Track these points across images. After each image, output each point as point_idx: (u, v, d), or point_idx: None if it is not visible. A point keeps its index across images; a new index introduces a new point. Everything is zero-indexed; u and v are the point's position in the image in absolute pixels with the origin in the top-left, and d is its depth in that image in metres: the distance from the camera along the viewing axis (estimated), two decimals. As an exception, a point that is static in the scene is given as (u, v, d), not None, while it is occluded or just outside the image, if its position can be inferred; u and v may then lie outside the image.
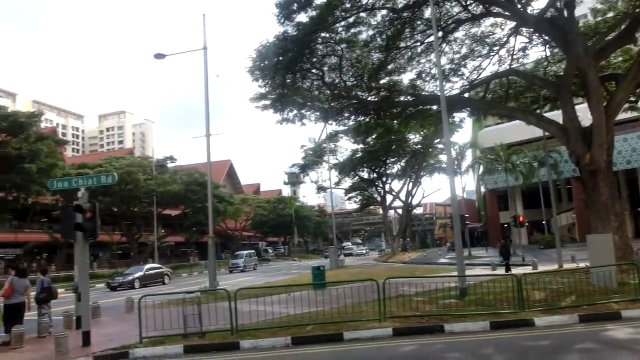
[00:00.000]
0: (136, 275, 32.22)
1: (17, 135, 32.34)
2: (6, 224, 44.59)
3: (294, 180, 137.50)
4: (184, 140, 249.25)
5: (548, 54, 23.75)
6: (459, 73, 24.62)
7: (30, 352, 11.03)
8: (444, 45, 22.78)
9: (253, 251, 53.32)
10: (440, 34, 20.84)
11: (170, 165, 52.52)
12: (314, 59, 22.56)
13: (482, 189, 67.75)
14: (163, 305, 12.22)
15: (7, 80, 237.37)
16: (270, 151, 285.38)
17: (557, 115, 21.53)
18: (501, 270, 22.52)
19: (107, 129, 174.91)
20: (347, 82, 23.83)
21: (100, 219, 11.69)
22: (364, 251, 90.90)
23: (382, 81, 24.51)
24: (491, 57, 24.08)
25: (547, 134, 26.02)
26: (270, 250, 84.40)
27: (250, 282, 29.21)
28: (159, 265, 35.83)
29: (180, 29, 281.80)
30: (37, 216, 45.35)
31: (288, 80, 22.14)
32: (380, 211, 78.00)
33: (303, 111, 24.48)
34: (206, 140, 21.96)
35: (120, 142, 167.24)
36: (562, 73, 21.69)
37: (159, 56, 22.12)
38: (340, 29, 21.72)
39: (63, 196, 36.97)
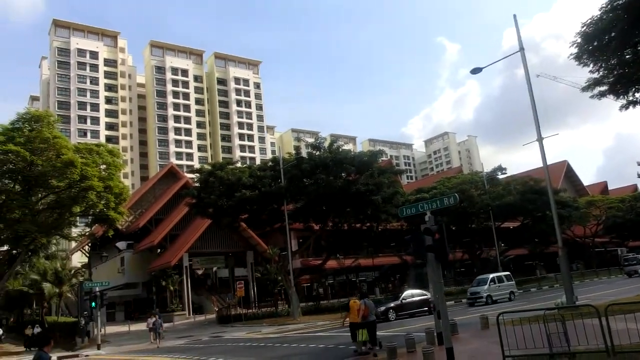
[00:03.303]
0: (390, 305, 27.11)
1: (364, 173, 37.04)
2: (364, 251, 51.26)
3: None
4: (503, 150, 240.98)
5: None
6: None
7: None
8: None
9: (507, 273, 37.26)
10: None
11: (501, 176, 51.62)
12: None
13: None
14: (522, 322, 11.62)
15: (346, 126, 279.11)
16: (612, 143, 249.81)
17: None
18: None
19: (434, 152, 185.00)
20: None
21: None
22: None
23: None
24: None
25: None
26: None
27: (614, 295, 25.53)
28: (421, 292, 28.79)
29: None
30: (386, 241, 50.61)
31: (627, 57, 18.95)
32: None
33: (656, 87, 20.48)
34: (539, 145, 20.53)
35: (448, 162, 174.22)
36: None
37: (476, 70, 21.92)
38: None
39: (407, 220, 40.06)
